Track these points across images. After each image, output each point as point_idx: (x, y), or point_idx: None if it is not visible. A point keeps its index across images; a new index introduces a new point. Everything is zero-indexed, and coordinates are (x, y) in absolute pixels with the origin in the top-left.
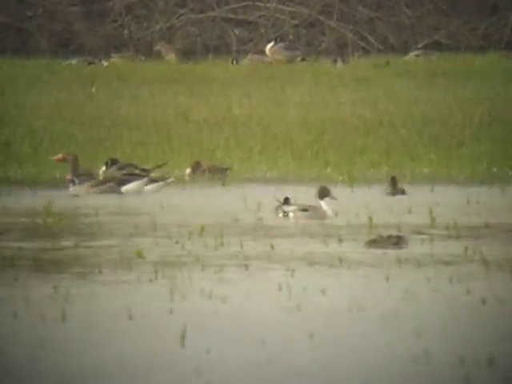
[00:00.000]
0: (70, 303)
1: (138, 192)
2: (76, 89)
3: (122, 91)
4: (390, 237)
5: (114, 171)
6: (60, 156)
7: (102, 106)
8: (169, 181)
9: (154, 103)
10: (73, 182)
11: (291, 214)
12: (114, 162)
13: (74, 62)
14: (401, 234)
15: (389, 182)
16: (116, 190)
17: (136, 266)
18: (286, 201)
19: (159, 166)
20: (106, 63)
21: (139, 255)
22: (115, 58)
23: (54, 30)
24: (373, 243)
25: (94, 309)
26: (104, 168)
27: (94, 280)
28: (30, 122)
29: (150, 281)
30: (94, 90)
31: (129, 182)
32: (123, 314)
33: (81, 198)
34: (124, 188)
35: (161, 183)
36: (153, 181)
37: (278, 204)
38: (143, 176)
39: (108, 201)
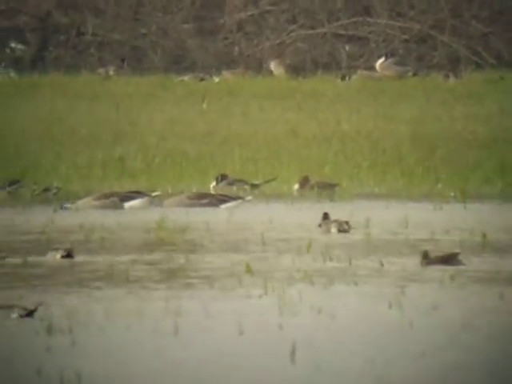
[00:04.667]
0: (181, 317)
1: (143, 208)
2: (188, 105)
3: (233, 107)
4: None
5: (224, 186)
6: None
7: (213, 121)
8: (242, 200)
9: (263, 119)
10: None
11: None
12: (224, 177)
13: (186, 78)
14: (455, 252)
15: None
16: (118, 206)
17: (245, 281)
18: (326, 216)
19: (268, 182)
20: (217, 79)
21: (248, 270)
22: (226, 74)
23: (167, 47)
24: (428, 261)
25: (205, 323)
26: (214, 183)
27: (204, 294)
28: (144, 138)
29: (260, 296)
30: (205, 106)
31: (132, 198)
32: (234, 329)
33: (191, 213)
34: (127, 204)
35: (239, 201)
36: (228, 198)
37: None
38: (146, 194)
39: (217, 216)
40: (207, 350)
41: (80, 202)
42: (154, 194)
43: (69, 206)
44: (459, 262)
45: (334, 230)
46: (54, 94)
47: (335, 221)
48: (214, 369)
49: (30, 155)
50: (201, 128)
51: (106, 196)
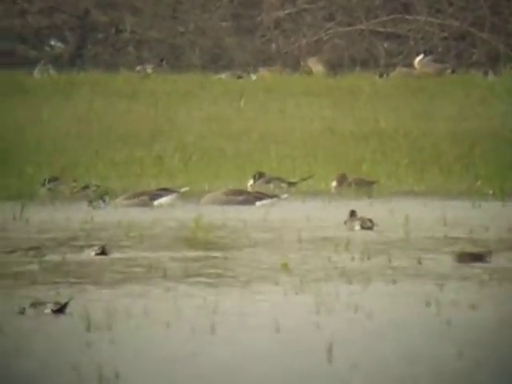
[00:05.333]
0: (218, 315)
1: (172, 206)
2: (225, 103)
3: (270, 105)
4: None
5: (261, 184)
6: None
7: (250, 119)
8: (278, 198)
9: (300, 116)
10: (102, 198)
11: None
12: (261, 175)
13: (223, 76)
14: (487, 250)
15: None
16: (148, 204)
17: (282, 279)
18: (353, 213)
19: (305, 179)
20: (254, 77)
21: (285, 268)
22: (263, 72)
23: (205, 45)
24: (460, 258)
25: (242, 321)
26: (252, 181)
27: (241, 292)
28: (181, 136)
29: (296, 294)
30: (242, 103)
31: (161, 196)
32: (270, 327)
33: (228, 211)
34: (156, 202)
35: (274, 199)
36: (266, 197)
37: None
38: (175, 191)
39: (254, 213)
40: (244, 348)
41: (114, 201)
42: (182, 189)
43: (103, 204)
44: (490, 261)
45: (357, 227)
46: (92, 91)
47: (359, 218)
48: (251, 367)
49: (69, 153)
50: (238, 126)
51: (137, 195)
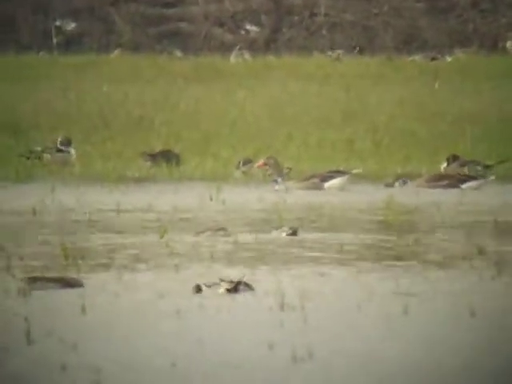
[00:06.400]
0: (411, 297)
1: (341, 189)
2: (418, 85)
3: (465, 86)
4: None
5: (455, 167)
6: (261, 162)
7: (444, 101)
8: (484, 180)
9: (497, 97)
10: (275, 181)
11: None
12: (455, 158)
13: (416, 58)
14: None
15: None
16: (319, 186)
17: (477, 263)
18: None
19: (502, 162)
20: (449, 59)
21: (480, 252)
22: (459, 53)
23: (399, 27)
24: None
25: (434, 303)
26: (445, 164)
27: (433, 275)
28: (373, 118)
29: (492, 278)
30: (436, 85)
31: (332, 178)
32: (465, 311)
33: (421, 193)
34: (327, 184)
35: (481, 180)
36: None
37: None
38: (346, 173)
39: (450, 197)
40: (436, 332)
41: (288, 184)
42: (354, 171)
43: (276, 186)
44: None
45: None
46: (286, 75)
47: None
48: (442, 350)
49: (263, 135)
50: (431, 108)
51: (308, 177)
